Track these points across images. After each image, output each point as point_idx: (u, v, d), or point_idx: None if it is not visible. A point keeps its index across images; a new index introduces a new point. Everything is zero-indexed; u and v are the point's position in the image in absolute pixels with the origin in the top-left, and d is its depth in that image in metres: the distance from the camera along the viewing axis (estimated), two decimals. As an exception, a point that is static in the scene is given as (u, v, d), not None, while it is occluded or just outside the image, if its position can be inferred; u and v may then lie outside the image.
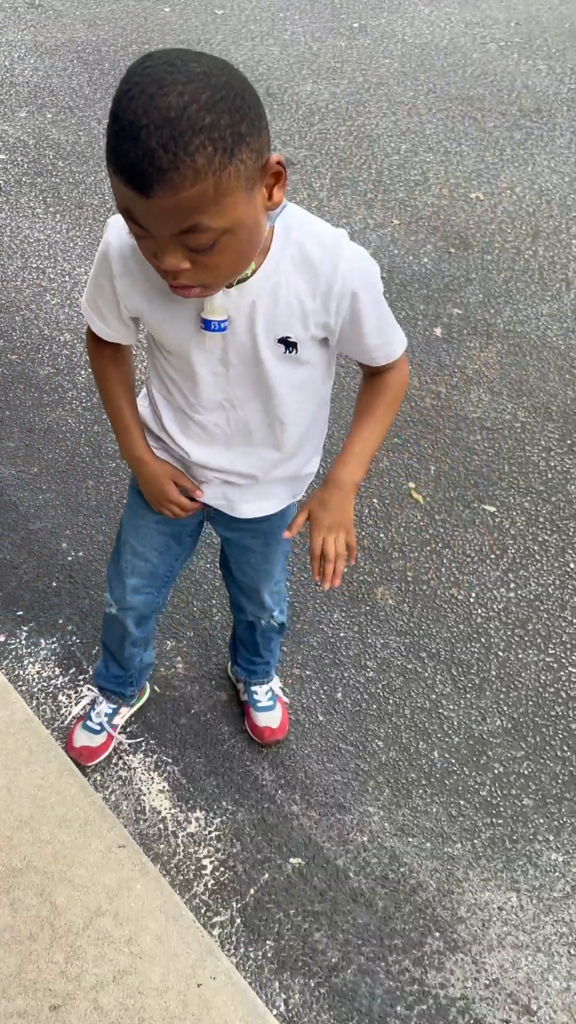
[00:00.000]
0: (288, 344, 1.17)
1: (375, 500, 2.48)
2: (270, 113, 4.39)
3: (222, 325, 1.12)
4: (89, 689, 1.93)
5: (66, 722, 1.89)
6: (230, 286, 1.10)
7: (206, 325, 1.13)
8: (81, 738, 1.81)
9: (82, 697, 1.93)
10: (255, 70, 4.82)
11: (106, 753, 1.84)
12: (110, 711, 1.85)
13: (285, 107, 4.51)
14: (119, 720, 1.87)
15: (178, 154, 0.85)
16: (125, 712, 1.88)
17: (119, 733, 1.87)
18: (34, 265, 3.23)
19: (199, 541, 1.62)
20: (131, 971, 1.38)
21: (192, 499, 1.40)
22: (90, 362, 1.38)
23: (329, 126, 4.39)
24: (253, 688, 1.91)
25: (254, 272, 1.10)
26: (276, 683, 1.95)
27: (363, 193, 3.90)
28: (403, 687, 2.05)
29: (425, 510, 2.47)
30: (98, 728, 1.83)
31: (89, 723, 1.83)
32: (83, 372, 2.79)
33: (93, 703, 1.86)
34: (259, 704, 1.90)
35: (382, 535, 2.39)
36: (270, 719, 1.89)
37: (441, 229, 3.70)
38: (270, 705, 1.90)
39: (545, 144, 4.45)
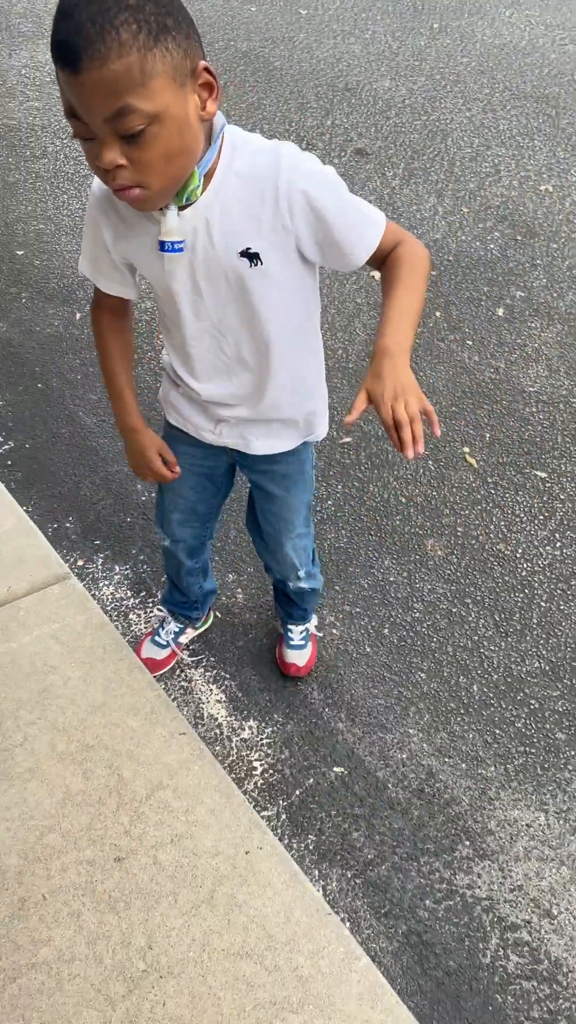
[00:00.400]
0: (251, 256, 1.18)
1: (430, 463, 2.61)
2: (348, 106, 4.56)
3: (176, 246, 1.14)
4: (159, 610, 2.11)
5: (137, 636, 2.07)
6: (182, 208, 1.13)
7: (161, 246, 1.15)
8: (148, 650, 1.99)
9: (152, 616, 2.11)
10: (335, 66, 4.99)
11: (169, 666, 2.01)
12: (177, 630, 2.02)
13: (363, 101, 4.67)
14: (184, 639, 2.04)
15: (104, 26, 0.91)
16: (190, 633, 2.06)
17: (182, 651, 2.04)
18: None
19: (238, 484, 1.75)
20: (187, 836, 1.54)
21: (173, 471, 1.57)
22: (92, 329, 1.44)
23: (404, 120, 4.54)
24: (289, 626, 2.01)
25: (203, 191, 1.13)
26: (312, 622, 2.06)
27: (434, 183, 4.03)
28: (447, 628, 2.17)
29: (478, 473, 2.59)
30: (164, 643, 2.01)
31: (157, 638, 2.01)
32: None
33: (163, 622, 2.04)
34: (292, 642, 2.01)
35: (434, 493, 2.52)
36: (298, 656, 2.01)
37: (509, 218, 3.81)
38: (301, 644, 2.01)
39: (618, 141, 4.51)
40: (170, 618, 2.02)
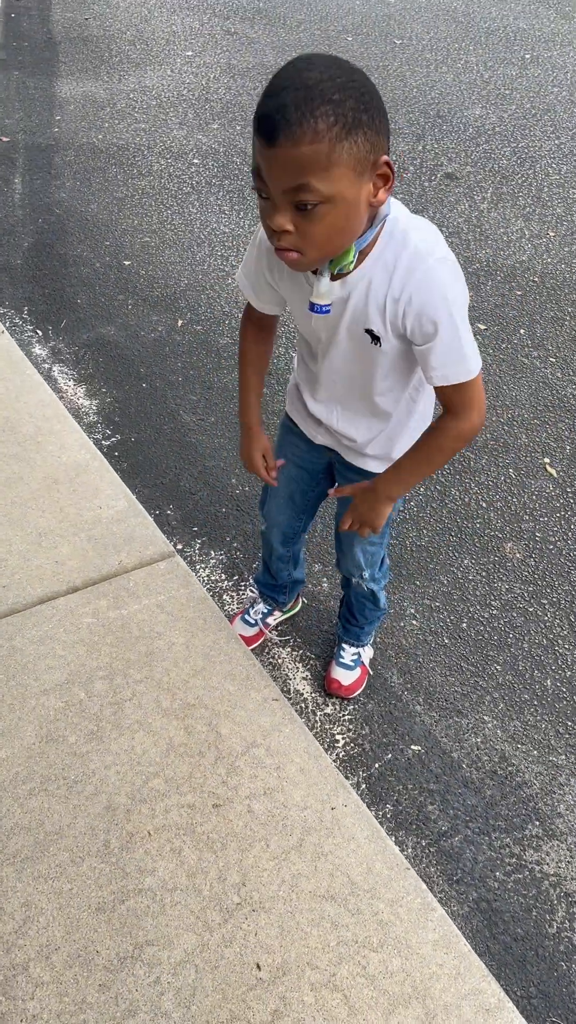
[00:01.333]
0: (373, 336, 1.34)
1: (511, 470, 2.72)
2: (439, 132, 4.72)
3: (324, 309, 1.29)
4: (252, 590, 2.26)
5: (230, 615, 2.22)
6: (335, 278, 1.27)
7: (311, 307, 1.30)
8: (238, 627, 2.14)
9: (244, 596, 2.27)
10: (428, 94, 5.16)
11: (256, 643, 2.16)
12: (265, 611, 2.17)
13: (454, 128, 4.82)
14: (271, 621, 2.19)
15: (304, 113, 1.02)
16: (278, 615, 2.20)
17: (270, 631, 2.19)
18: (219, 253, 3.65)
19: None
20: (278, 789, 1.68)
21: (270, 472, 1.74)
22: (240, 335, 1.62)
23: (494, 146, 4.67)
24: (343, 644, 2.07)
25: (355, 267, 1.25)
26: (367, 653, 2.11)
27: (522, 207, 4.15)
28: (523, 625, 2.28)
29: (558, 482, 2.69)
30: (253, 622, 2.16)
31: (247, 616, 2.16)
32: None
33: (253, 603, 2.19)
34: (342, 660, 2.07)
35: (514, 499, 2.62)
36: (344, 675, 2.06)
37: (596, 243, 3.90)
38: (351, 665, 2.07)
39: None
40: (259, 599, 2.18)
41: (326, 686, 2.09)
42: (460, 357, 1.30)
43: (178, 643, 1.93)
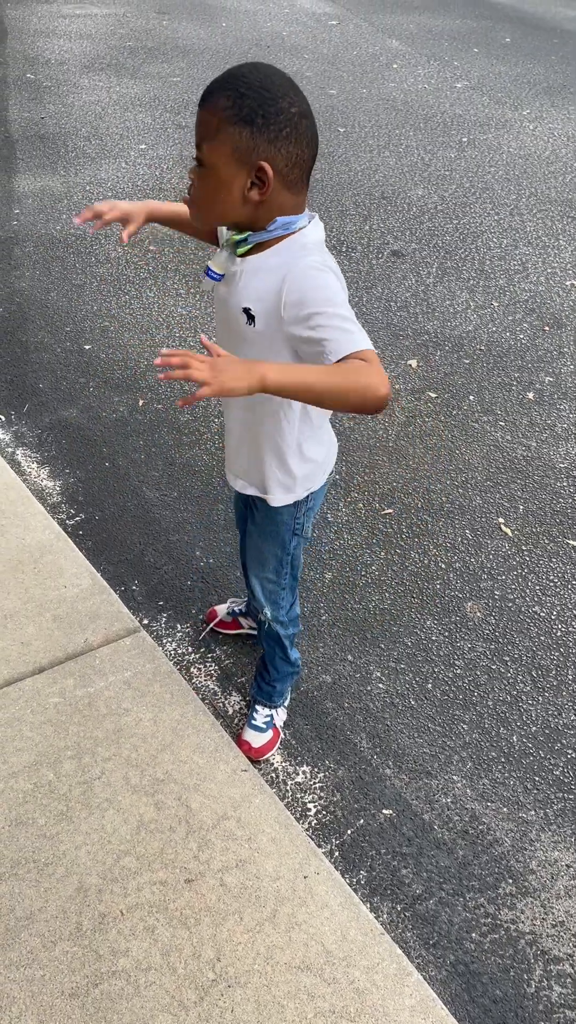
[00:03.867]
0: (248, 315, 1.41)
1: (467, 531, 2.80)
2: (384, 212, 4.94)
3: (215, 275, 1.45)
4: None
5: (197, 688, 2.24)
6: (241, 255, 1.42)
7: (207, 271, 1.45)
8: (220, 608, 2.36)
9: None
10: (372, 177, 5.41)
11: (224, 630, 2.38)
12: (243, 610, 2.33)
13: (398, 208, 5.05)
14: (244, 623, 2.35)
15: (217, 91, 1.29)
16: (251, 622, 2.34)
17: (246, 624, 2.34)
18: (177, 335, 3.77)
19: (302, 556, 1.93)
20: (250, 861, 1.68)
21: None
22: None
23: (437, 224, 4.89)
24: (256, 706, 2.07)
25: (251, 255, 1.41)
26: (280, 715, 2.11)
27: (466, 280, 4.34)
28: (487, 683, 2.32)
29: (513, 541, 2.77)
30: (231, 611, 2.35)
31: (229, 605, 2.34)
32: (216, 421, 3.25)
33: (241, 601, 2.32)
34: (253, 722, 2.06)
35: (472, 560, 2.69)
36: (255, 737, 2.04)
37: (537, 311, 4.08)
38: (262, 727, 2.05)
39: None
40: (246, 601, 2.29)
41: (237, 745, 2.05)
42: (345, 332, 1.27)
43: (145, 719, 1.94)
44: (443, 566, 2.67)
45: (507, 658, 2.39)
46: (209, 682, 2.27)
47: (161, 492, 2.91)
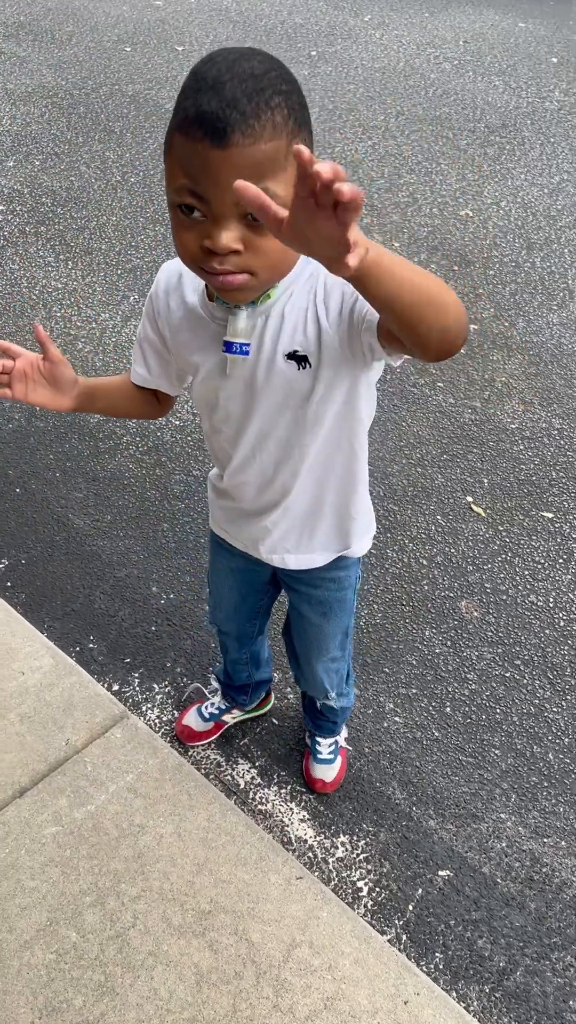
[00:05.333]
0: (299, 359, 1.10)
1: (439, 517, 2.57)
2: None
3: (244, 348, 1.08)
4: (213, 680, 2.01)
5: (196, 760, 1.93)
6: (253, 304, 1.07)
7: (227, 348, 1.08)
8: (190, 718, 1.94)
9: (207, 685, 2.03)
10: (230, 104, 4.90)
11: (204, 741, 1.95)
12: (223, 707, 1.95)
13: (266, 139, 4.61)
14: (228, 718, 1.97)
15: (260, 104, 0.86)
16: (236, 714, 1.97)
17: (223, 728, 1.97)
18: (58, 314, 3.26)
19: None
20: (339, 997, 1.43)
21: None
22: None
23: (312, 155, 4.50)
24: (318, 738, 1.88)
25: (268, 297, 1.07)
26: (343, 735, 1.94)
27: (359, 220, 4.00)
28: (506, 695, 2.13)
29: (488, 522, 2.57)
30: (207, 717, 1.95)
31: (202, 709, 1.95)
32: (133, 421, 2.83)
33: (212, 694, 1.96)
34: (319, 755, 1.88)
35: (453, 551, 2.48)
36: (325, 771, 1.88)
37: (440, 248, 3.83)
38: (329, 759, 1.89)
39: (518, 158, 4.63)
40: (219, 692, 1.95)
41: (308, 784, 1.90)
42: None
43: (167, 833, 1.62)
44: (424, 562, 2.44)
45: (518, 662, 2.21)
46: (209, 752, 1.96)
47: (91, 517, 2.50)
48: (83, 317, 3.25)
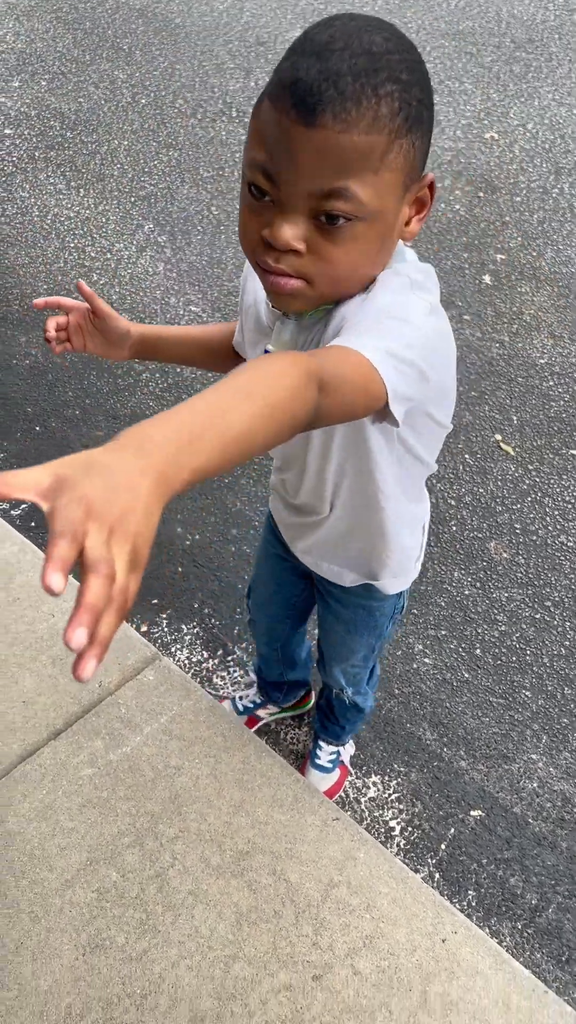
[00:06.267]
0: None
1: (467, 456, 2.52)
2: (266, 63, 4.30)
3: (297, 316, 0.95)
4: (248, 670, 1.97)
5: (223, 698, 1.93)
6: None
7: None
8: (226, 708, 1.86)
9: (241, 678, 1.97)
10: (240, 18, 4.68)
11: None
12: (258, 701, 1.88)
13: (279, 55, 4.39)
14: (264, 714, 1.89)
15: (366, 87, 0.73)
16: (273, 710, 1.90)
17: (266, 715, 1.90)
18: (72, 245, 3.16)
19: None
20: (378, 935, 1.45)
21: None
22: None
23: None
24: (320, 742, 1.81)
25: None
26: (347, 750, 1.85)
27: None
28: (536, 637, 2.11)
29: (517, 461, 2.52)
30: (241, 709, 1.89)
31: (237, 701, 1.88)
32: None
33: (247, 685, 1.91)
34: (317, 761, 1.80)
35: (482, 490, 2.43)
36: (319, 781, 1.79)
37: (465, 173, 3.69)
38: (327, 767, 1.80)
39: (545, 76, 4.42)
40: (254, 685, 1.89)
41: None
42: (365, 331, 0.81)
43: (203, 775, 1.62)
44: (452, 503, 2.40)
45: (548, 603, 2.18)
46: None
47: (114, 456, 2.45)
48: (97, 248, 3.15)
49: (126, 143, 3.72)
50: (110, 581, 0.48)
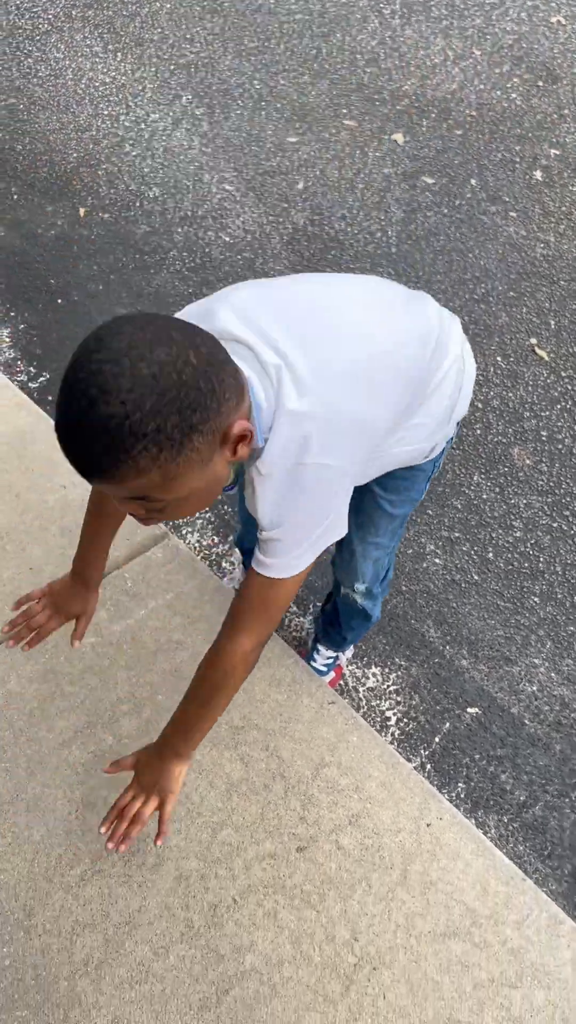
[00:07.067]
0: None
1: (499, 358, 2.45)
2: None
3: (228, 488, 1.06)
4: (235, 545, 1.98)
5: (236, 588, 1.93)
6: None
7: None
8: None
9: (235, 556, 1.98)
10: None
11: None
12: (241, 579, 1.89)
13: None
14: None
15: (119, 458, 0.80)
16: None
17: None
18: (105, 112, 3.03)
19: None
20: (364, 815, 1.48)
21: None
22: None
23: None
24: (319, 646, 1.80)
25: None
26: (345, 656, 1.85)
27: (437, 20, 3.61)
28: (551, 545, 2.09)
29: (551, 367, 2.44)
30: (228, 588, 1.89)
31: (224, 584, 1.88)
32: (179, 230, 2.67)
33: (235, 565, 1.92)
34: (314, 663, 1.80)
35: (511, 395, 2.37)
36: None
37: (525, 60, 3.46)
38: (322, 670, 1.80)
39: (624, -43, 4.09)
40: (239, 564, 1.90)
41: None
42: (286, 550, 1.03)
43: (204, 651, 1.63)
44: (480, 405, 2.34)
45: (567, 513, 2.15)
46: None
47: (136, 335, 2.40)
48: (132, 117, 3.02)
49: (168, 5, 3.52)
50: (136, 826, 1.22)
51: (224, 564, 1.99)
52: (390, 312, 1.11)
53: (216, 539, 2.03)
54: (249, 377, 0.95)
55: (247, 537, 1.77)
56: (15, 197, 2.72)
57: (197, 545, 2.01)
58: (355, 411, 1.00)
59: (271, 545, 1.03)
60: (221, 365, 0.86)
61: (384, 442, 1.13)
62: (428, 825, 1.48)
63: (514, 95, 3.29)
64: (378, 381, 1.04)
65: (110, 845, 1.21)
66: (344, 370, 0.99)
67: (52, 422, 1.97)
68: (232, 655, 1.12)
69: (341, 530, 1.06)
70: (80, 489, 1.85)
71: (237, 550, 1.95)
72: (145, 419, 0.79)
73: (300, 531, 1.02)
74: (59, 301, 2.45)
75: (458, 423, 1.30)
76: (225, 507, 2.08)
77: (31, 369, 2.28)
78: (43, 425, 1.95)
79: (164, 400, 0.79)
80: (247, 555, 1.85)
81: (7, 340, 2.34)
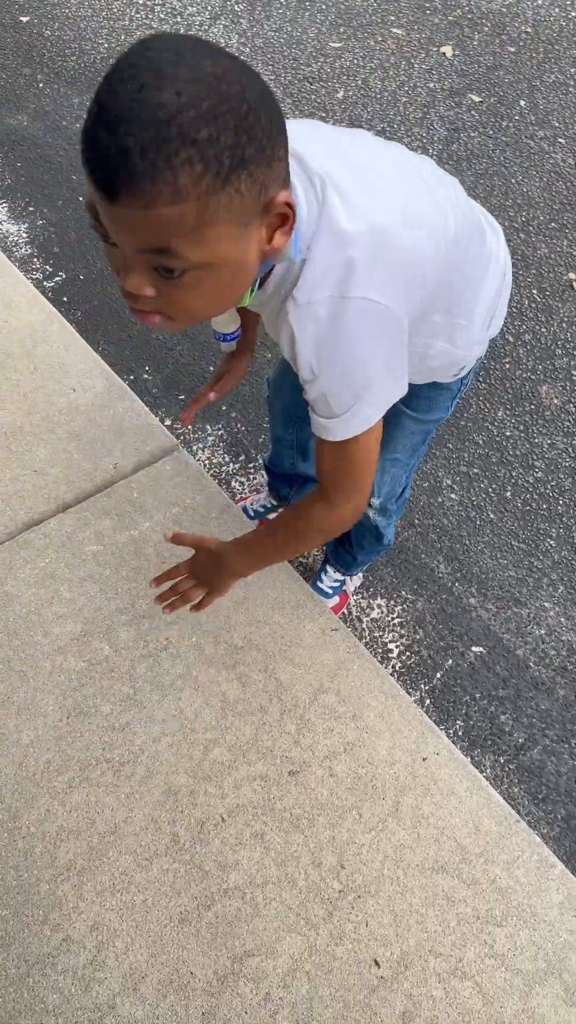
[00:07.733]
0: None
1: (534, 291, 2.34)
2: None
3: (231, 336, 1.07)
4: (261, 474, 1.91)
5: (244, 508, 1.88)
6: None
7: (216, 336, 1.14)
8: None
9: (255, 482, 1.92)
10: None
11: None
12: (269, 505, 1.84)
13: None
14: (273, 517, 1.84)
15: (157, 163, 0.66)
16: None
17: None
18: (140, 2, 2.86)
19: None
20: (359, 744, 1.45)
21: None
22: None
23: None
24: (327, 567, 1.77)
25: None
26: (353, 582, 1.81)
27: None
28: (572, 488, 2.02)
29: (587, 305, 2.33)
30: (252, 514, 1.84)
31: (248, 507, 1.84)
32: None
33: (258, 490, 1.85)
34: (319, 585, 1.76)
35: (544, 330, 2.27)
36: None
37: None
38: (327, 592, 1.77)
39: None
40: (266, 487, 1.84)
41: None
42: (337, 423, 0.94)
43: (208, 568, 1.59)
44: (510, 339, 2.24)
45: (592, 456, 2.07)
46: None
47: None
48: (167, 9, 2.85)
49: None
50: (185, 600, 1.23)
51: (234, 484, 1.93)
52: (453, 187, 1.02)
53: (227, 457, 1.97)
54: (292, 182, 0.84)
55: (277, 458, 1.71)
56: (40, 85, 2.58)
57: (208, 462, 1.95)
58: (407, 248, 0.89)
59: (320, 403, 0.94)
60: (278, 120, 0.74)
61: (428, 318, 1.03)
62: (424, 759, 1.45)
63: (574, 14, 3.10)
64: (431, 228, 0.94)
65: (157, 603, 1.23)
66: (399, 204, 0.89)
67: (65, 323, 1.90)
68: (315, 516, 1.07)
69: (401, 384, 0.95)
70: (90, 393, 1.78)
71: (264, 473, 1.88)
72: (198, 120, 0.66)
73: (348, 378, 0.91)
74: (80, 199, 2.35)
75: (489, 344, 1.22)
76: (239, 424, 2.01)
77: (47, 268, 2.19)
78: (55, 325, 1.88)
79: (223, 108, 0.67)
80: (277, 480, 1.79)
81: (24, 236, 2.25)
